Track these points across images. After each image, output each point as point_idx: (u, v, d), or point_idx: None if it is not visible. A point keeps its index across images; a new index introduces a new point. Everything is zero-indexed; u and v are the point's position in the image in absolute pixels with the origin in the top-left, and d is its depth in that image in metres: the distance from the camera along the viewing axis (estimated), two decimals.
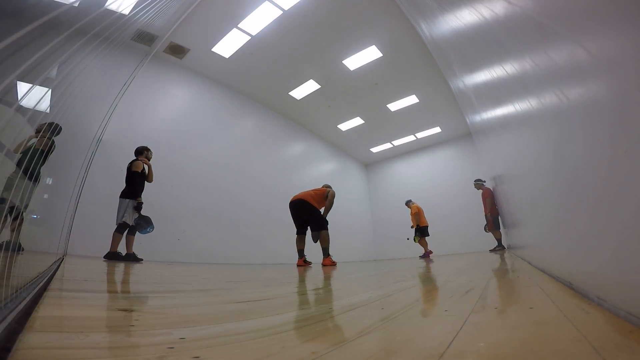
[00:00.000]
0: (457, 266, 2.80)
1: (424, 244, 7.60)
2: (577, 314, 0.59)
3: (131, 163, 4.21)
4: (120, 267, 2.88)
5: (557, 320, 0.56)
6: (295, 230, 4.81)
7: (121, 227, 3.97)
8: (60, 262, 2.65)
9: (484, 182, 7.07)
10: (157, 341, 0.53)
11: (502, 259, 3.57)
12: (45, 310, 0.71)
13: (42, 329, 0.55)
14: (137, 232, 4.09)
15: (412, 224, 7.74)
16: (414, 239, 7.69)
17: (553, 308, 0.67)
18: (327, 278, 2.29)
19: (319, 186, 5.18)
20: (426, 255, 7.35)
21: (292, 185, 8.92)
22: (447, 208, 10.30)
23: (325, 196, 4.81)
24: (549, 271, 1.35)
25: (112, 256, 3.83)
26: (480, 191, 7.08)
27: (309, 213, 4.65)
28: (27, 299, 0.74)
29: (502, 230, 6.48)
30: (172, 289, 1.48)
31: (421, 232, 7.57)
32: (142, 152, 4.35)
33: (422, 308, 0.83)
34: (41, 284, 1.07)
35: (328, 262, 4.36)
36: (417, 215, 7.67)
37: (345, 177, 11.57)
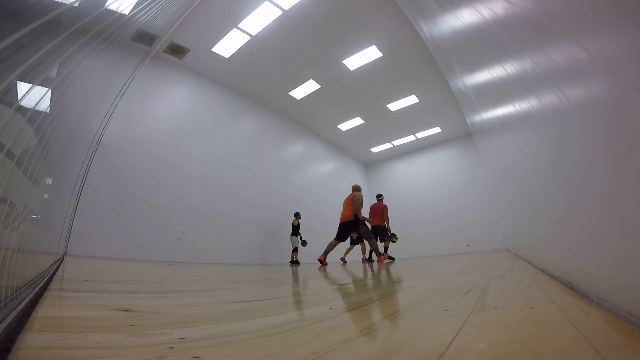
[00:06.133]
0: (457, 266, 2.80)
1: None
2: (577, 314, 0.59)
3: (294, 221, 7.42)
4: (121, 267, 2.88)
5: (557, 320, 0.56)
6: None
7: (296, 249, 7.15)
8: (60, 262, 2.66)
9: (382, 197, 7.80)
10: (157, 341, 0.53)
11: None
12: (45, 310, 0.71)
13: (42, 329, 0.55)
14: (297, 247, 7.22)
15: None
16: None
17: (553, 308, 0.67)
18: (327, 278, 2.29)
19: (350, 192, 5.73)
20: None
21: (293, 185, 8.93)
22: (447, 208, 10.32)
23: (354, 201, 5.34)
24: (549, 271, 1.35)
25: (294, 263, 6.70)
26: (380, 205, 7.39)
27: (353, 230, 5.33)
28: (27, 299, 0.74)
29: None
30: (172, 289, 1.48)
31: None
32: (296, 215, 7.52)
33: (422, 308, 0.83)
34: (41, 284, 1.07)
35: (382, 259, 5.14)
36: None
37: (345, 177, 11.56)
